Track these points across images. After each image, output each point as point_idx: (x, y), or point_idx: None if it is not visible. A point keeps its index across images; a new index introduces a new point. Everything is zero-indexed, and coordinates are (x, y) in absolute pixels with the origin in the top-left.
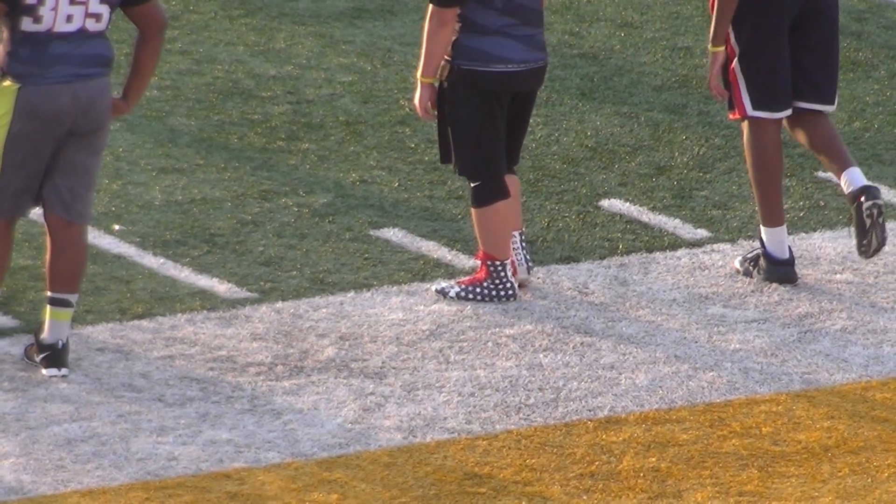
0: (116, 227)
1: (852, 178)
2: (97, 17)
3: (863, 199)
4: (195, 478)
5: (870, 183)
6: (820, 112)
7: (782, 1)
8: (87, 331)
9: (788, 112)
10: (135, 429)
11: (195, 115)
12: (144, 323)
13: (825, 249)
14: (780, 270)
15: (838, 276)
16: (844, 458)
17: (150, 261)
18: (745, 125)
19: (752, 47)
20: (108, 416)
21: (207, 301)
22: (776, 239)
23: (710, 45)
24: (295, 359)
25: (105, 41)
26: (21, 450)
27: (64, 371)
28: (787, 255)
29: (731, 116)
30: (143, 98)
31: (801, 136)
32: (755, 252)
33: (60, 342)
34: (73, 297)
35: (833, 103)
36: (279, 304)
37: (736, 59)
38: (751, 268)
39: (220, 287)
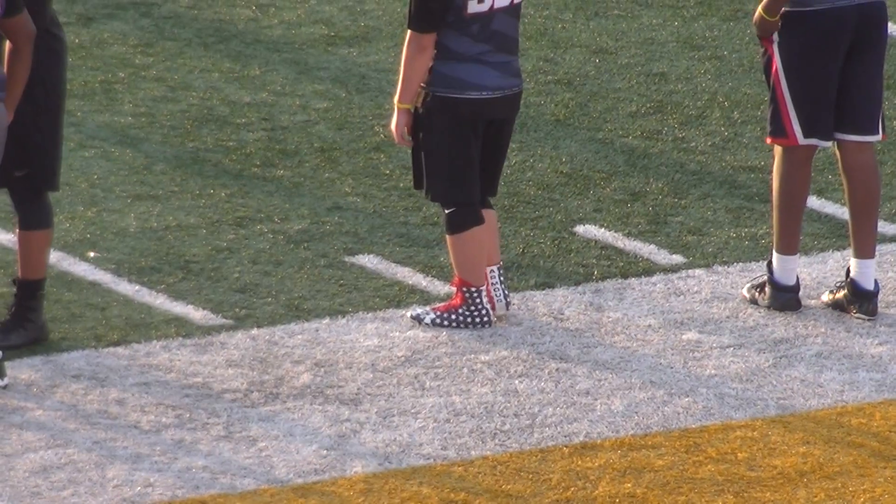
0: (91, 253)
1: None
2: None
3: (854, 309)
4: None
5: (873, 288)
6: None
7: (837, 25)
8: (63, 358)
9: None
10: (110, 456)
11: (170, 142)
12: (120, 350)
13: (800, 274)
14: (784, 297)
15: (813, 301)
16: (820, 484)
17: (126, 288)
18: (777, 149)
19: (801, 71)
20: (84, 442)
21: (183, 328)
22: (787, 267)
23: (765, 15)
24: (270, 385)
25: None
26: None
27: (7, 381)
28: (793, 283)
29: (770, 141)
30: (117, 124)
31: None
32: (762, 278)
33: (0, 353)
34: None
35: (876, 133)
36: (254, 331)
37: (784, 81)
38: (756, 294)
39: (196, 314)
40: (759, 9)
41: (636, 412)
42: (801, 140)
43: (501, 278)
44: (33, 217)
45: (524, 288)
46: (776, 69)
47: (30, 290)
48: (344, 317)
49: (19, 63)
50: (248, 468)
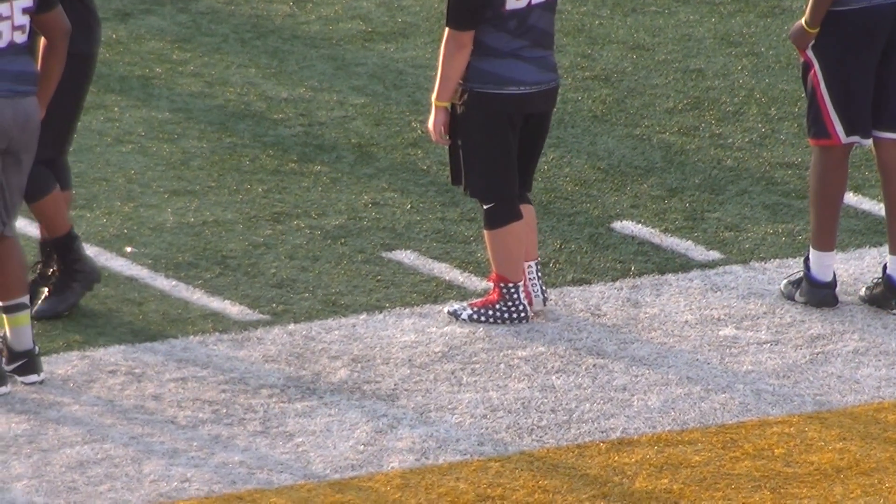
0: (129, 249)
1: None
2: (22, 28)
3: (891, 305)
4: (207, 500)
5: None
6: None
7: (874, 24)
8: (100, 353)
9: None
10: (147, 451)
11: (207, 138)
12: (157, 345)
13: (837, 271)
14: (820, 293)
15: (850, 297)
16: (857, 480)
17: (163, 283)
18: (815, 146)
19: (839, 70)
20: (121, 438)
21: (220, 323)
22: (823, 263)
23: (806, 27)
24: (307, 381)
25: (31, 58)
26: (34, 472)
27: (43, 376)
28: (829, 279)
29: (812, 142)
30: (154, 120)
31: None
32: (798, 274)
33: (37, 348)
34: (25, 299)
35: None
36: (291, 327)
37: (823, 82)
38: (793, 290)
39: (233, 309)
40: (802, 21)
41: (673, 408)
42: (844, 139)
43: (539, 274)
44: (30, 189)
45: (561, 283)
46: (815, 71)
47: (63, 245)
48: (381, 312)
49: (54, 59)
50: (285, 463)
